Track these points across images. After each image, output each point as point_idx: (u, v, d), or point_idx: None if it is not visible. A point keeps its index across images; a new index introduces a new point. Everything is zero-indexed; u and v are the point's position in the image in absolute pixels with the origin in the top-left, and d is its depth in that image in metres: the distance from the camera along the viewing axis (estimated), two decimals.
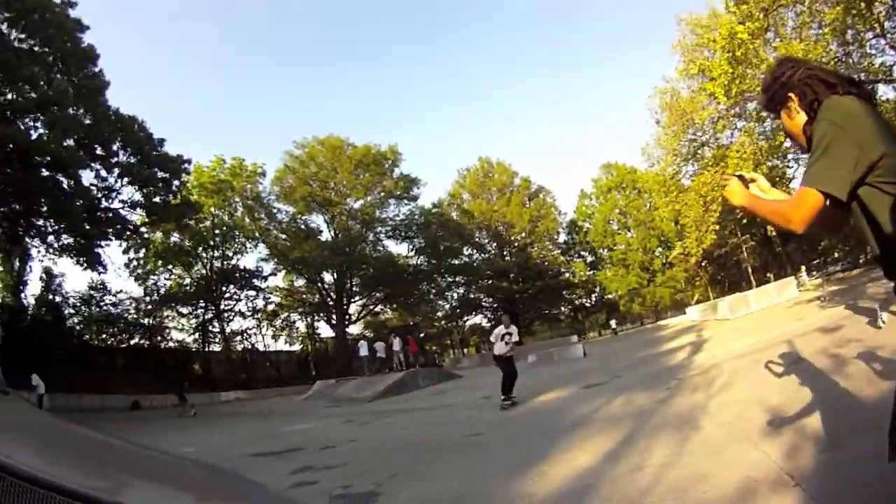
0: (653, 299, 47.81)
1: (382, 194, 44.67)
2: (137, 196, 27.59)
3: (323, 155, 43.06)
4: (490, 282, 48.84)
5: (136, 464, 6.38)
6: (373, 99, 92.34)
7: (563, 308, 52.60)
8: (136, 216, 28.67)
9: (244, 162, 40.98)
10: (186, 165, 30.05)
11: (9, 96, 22.03)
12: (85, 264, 25.94)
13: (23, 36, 22.14)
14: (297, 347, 46.14)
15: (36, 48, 22.55)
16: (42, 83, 21.65)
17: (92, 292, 29.30)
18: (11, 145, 20.29)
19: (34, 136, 22.25)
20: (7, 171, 20.73)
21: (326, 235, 43.80)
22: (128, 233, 28.48)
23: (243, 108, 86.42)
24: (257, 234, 41.66)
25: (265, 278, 41.67)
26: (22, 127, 21.85)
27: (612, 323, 45.55)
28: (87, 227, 25.21)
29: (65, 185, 24.00)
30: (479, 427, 8.44)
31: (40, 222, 25.14)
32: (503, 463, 5.68)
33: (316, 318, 45.56)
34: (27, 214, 24.13)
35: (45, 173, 22.71)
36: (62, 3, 23.37)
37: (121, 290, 32.09)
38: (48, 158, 22.31)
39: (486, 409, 10.66)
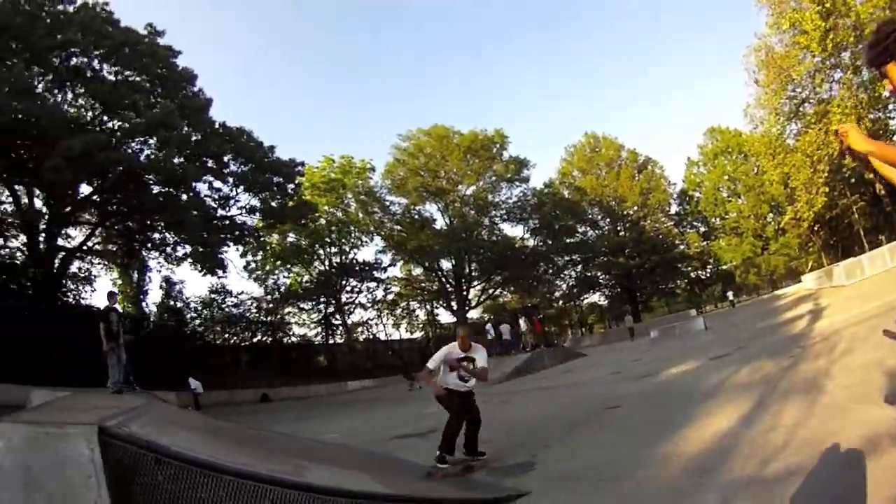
0: (767, 268, 45.70)
1: (494, 178, 43.89)
2: (254, 202, 28.90)
3: (430, 145, 42.91)
4: (606, 259, 46.97)
5: (299, 450, 6.37)
6: (472, 87, 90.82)
7: (678, 282, 49.63)
8: (254, 220, 30.00)
9: (353, 159, 41.84)
10: (299, 168, 30.99)
11: (114, 124, 23.75)
12: (205, 270, 27.41)
13: (118, 69, 23.73)
14: (417, 335, 46.66)
15: (133, 77, 24.06)
16: (144, 107, 22.92)
17: (213, 295, 31.28)
18: (120, 168, 21.61)
19: (143, 156, 23.73)
20: (119, 192, 22.15)
21: (441, 223, 43.92)
22: (246, 237, 29.78)
23: (343, 108, 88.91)
24: (372, 228, 42.57)
25: (384, 269, 42.57)
26: (130, 150, 23.24)
27: (730, 294, 41.81)
28: (206, 236, 26.66)
29: (182, 198, 25.46)
30: (615, 400, 8.57)
31: (156, 235, 26.99)
32: (646, 430, 5.94)
33: (435, 304, 45.88)
34: (142, 230, 25.85)
35: (158, 190, 24.20)
36: (149, 34, 24.78)
37: (242, 292, 34.34)
38: (160, 176, 23.79)
39: (617, 384, 10.91)
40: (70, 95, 23.88)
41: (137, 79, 24.38)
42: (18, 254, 26.55)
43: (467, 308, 44.08)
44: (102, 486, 3.02)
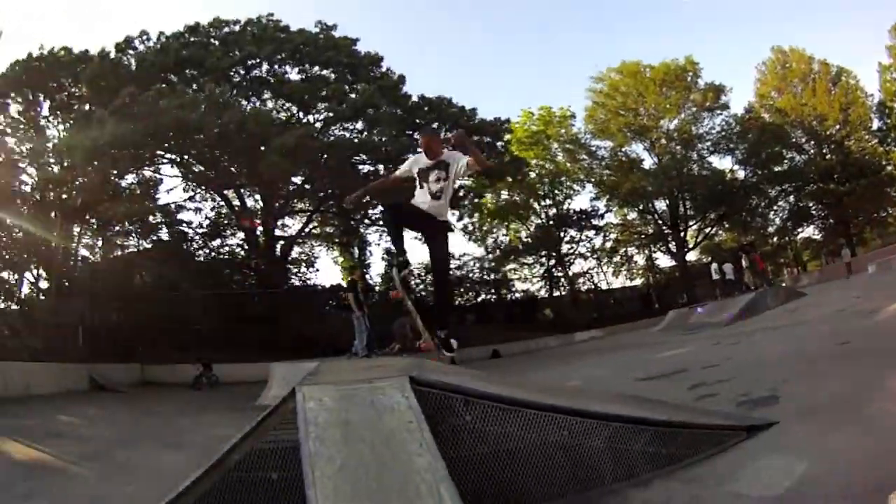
0: None
1: (694, 109, 40.56)
2: None
3: (624, 83, 41.12)
4: (816, 186, 40.67)
5: (560, 390, 7.27)
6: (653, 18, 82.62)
7: (890, 210, 41.11)
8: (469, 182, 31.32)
9: (552, 109, 41.19)
10: (505, 125, 32.04)
11: (313, 117, 26.86)
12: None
13: (302, 66, 26.60)
14: (637, 282, 45.67)
15: (321, 72, 26.72)
16: (343, 94, 25.62)
17: (354, 264, 33.05)
18: (325, 156, 24.94)
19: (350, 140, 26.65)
20: (331, 177, 25.49)
21: (649, 163, 41.83)
22: (462, 201, 31.76)
23: (526, 63, 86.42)
24: (582, 176, 41.68)
25: (601, 216, 41.76)
26: (334, 137, 26.45)
27: None
28: None
29: None
30: (845, 336, 8.16)
31: (371, 211, 29.41)
32: (883, 362, 5.74)
33: (653, 248, 44.48)
34: (357, 209, 28.77)
35: (368, 169, 27.04)
36: (322, 30, 27.18)
37: (464, 253, 36.25)
38: (369, 156, 26.68)
39: (844, 321, 10.49)
40: (257, 103, 26.79)
41: (325, 72, 26.79)
42: (238, 249, 31.01)
43: (686, 249, 41.64)
44: (425, 430, 3.23)
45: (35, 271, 25.91)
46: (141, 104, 23.26)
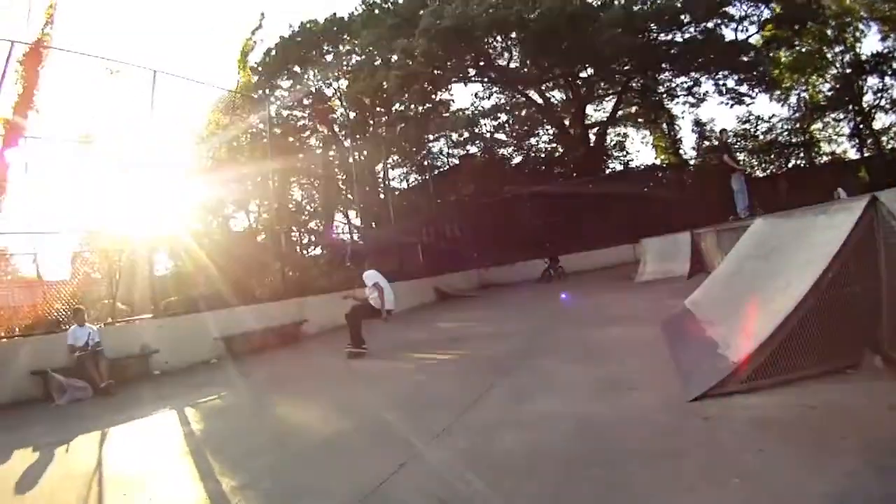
0: None
1: None
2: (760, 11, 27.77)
3: None
4: None
5: None
6: None
7: None
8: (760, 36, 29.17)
9: None
10: None
11: None
12: (731, 102, 27.80)
13: None
14: None
15: None
16: None
17: (745, 126, 31.10)
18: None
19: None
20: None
21: None
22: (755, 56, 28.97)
23: None
24: (862, 14, 35.28)
25: None
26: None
27: None
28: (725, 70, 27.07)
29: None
30: None
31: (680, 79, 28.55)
32: None
33: None
34: (656, 82, 27.91)
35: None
36: None
37: (773, 115, 32.95)
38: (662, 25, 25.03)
39: None
40: None
41: None
42: (553, 145, 31.52)
43: None
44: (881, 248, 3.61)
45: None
46: (447, 15, 23.43)
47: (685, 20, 25.15)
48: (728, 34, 27.42)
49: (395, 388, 6.39)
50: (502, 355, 7.23)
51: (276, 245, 19.20)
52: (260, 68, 31.02)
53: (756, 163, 30.83)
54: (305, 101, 30.05)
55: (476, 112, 30.62)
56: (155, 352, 10.95)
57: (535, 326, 9.75)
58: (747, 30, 27.86)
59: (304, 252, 27.40)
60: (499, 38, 26.31)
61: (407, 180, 33.64)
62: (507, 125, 31.20)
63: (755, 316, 4.33)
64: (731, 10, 26.16)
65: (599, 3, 25.23)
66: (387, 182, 29.90)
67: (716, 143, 23.67)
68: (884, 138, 35.82)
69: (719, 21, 26.33)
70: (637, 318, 8.41)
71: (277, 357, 11.41)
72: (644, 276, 15.53)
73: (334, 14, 31.61)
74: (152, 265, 14.29)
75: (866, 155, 34.54)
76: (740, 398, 3.74)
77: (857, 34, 35.50)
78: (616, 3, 24.69)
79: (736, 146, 28.65)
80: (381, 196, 29.30)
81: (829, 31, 34.77)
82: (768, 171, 31.14)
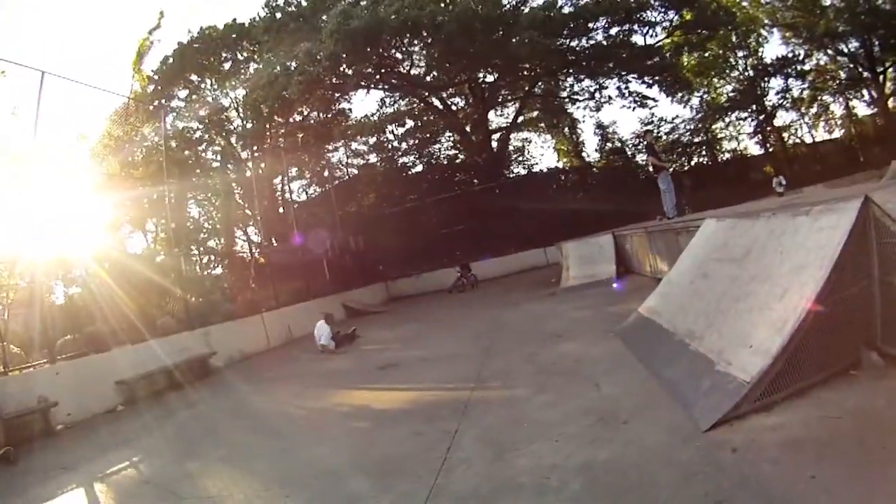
0: None
1: None
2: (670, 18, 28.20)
3: None
4: None
5: None
6: None
7: None
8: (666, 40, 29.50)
9: None
10: None
11: None
12: (634, 105, 28.36)
13: None
14: (836, 134, 39.97)
15: None
16: None
17: (647, 127, 31.77)
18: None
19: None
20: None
21: None
22: (659, 60, 29.33)
23: None
24: (765, 21, 36.86)
25: (802, 62, 36.67)
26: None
27: None
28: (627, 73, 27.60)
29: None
30: None
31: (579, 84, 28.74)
32: None
33: (848, 95, 38.18)
34: (558, 85, 27.73)
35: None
36: None
37: (676, 116, 33.88)
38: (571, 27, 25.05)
39: None
40: None
41: None
42: (455, 152, 31.50)
43: (887, 95, 35.23)
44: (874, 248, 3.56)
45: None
46: (356, 16, 23.05)
47: (599, 25, 25.43)
48: (638, 39, 27.94)
49: (337, 442, 5.26)
50: (451, 387, 6.32)
51: (176, 267, 18.22)
52: (156, 77, 29.57)
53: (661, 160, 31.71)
54: (202, 112, 28.80)
55: (383, 116, 30.18)
56: (54, 404, 9.51)
57: (475, 347, 8.68)
58: (657, 34, 28.21)
59: (206, 271, 26.47)
60: (406, 40, 25.82)
61: (307, 192, 32.94)
62: (412, 131, 30.72)
63: (754, 327, 4.06)
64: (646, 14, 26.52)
65: (513, 5, 25.25)
66: (289, 195, 29.08)
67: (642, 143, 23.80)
68: (785, 134, 37.90)
69: (630, 26, 26.64)
70: (584, 331, 7.70)
71: (189, 398, 9.93)
72: (570, 281, 14.78)
73: (234, 20, 30.46)
74: (43, 299, 13.18)
75: (770, 150, 36.26)
76: (757, 419, 3.45)
77: (760, 40, 37.30)
78: (527, 8, 24.84)
79: (659, 146, 29.04)
80: (281, 210, 28.45)
81: (733, 37, 36.31)
82: (671, 170, 31.93)
